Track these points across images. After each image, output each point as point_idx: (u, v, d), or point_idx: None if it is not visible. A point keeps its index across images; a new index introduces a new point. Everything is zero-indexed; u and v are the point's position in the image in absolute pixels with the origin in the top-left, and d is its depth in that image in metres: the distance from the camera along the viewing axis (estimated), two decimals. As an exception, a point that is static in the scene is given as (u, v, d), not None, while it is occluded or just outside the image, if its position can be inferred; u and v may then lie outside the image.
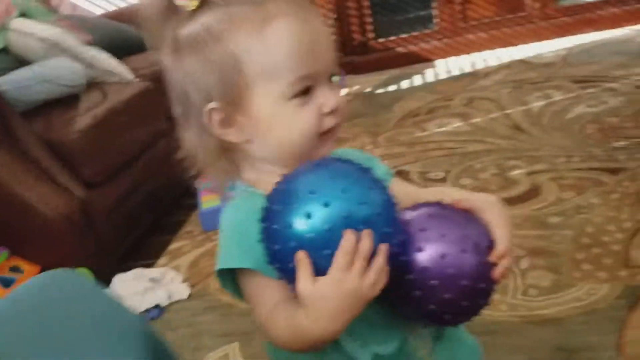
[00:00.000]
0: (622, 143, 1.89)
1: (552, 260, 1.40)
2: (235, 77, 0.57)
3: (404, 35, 3.58)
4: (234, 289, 0.60)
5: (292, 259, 0.49)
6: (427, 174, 1.99)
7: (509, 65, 3.08)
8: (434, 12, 3.48)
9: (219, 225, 0.61)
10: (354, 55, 3.64)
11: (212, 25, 0.57)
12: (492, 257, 0.55)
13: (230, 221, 0.60)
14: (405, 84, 3.22)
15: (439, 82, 3.08)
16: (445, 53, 3.51)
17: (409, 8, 3.54)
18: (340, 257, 0.49)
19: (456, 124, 2.40)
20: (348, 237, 0.49)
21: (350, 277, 0.49)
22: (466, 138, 2.23)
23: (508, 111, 2.40)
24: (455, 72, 3.19)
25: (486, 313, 1.22)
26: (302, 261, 0.49)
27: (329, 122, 0.60)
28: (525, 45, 3.42)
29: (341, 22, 3.62)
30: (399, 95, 3.00)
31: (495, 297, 1.25)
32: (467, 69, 3.20)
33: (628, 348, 1.09)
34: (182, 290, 1.54)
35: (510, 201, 1.68)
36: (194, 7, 0.58)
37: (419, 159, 2.13)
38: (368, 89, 3.24)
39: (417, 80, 3.24)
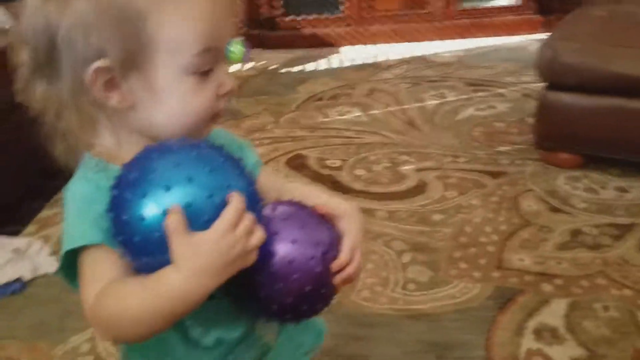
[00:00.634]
0: (505, 148, 2.00)
1: (431, 257, 1.45)
2: (138, 38, 0.51)
3: (312, 17, 3.55)
4: (72, 275, 0.54)
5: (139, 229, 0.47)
6: (324, 160, 1.99)
7: (409, 61, 3.16)
8: (341, -2, 3.49)
9: (63, 201, 0.55)
10: (262, 29, 3.57)
11: None
12: (334, 266, 0.57)
13: (78, 195, 0.54)
14: (310, 66, 3.19)
15: (343, 69, 3.09)
16: (350, 40, 3.52)
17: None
18: (229, 214, 0.47)
19: (356, 114, 2.42)
20: (238, 198, 0.48)
21: (237, 234, 0.48)
22: (364, 129, 2.25)
23: (404, 106, 2.46)
24: (359, 61, 3.21)
25: (366, 305, 1.26)
26: (175, 217, 0.46)
27: (222, 104, 0.57)
28: (426, 42, 3.52)
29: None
30: (304, 77, 2.97)
31: (377, 289, 1.30)
32: (371, 59, 3.24)
33: (495, 349, 1.16)
34: (49, 264, 1.41)
35: (399, 195, 1.73)
36: None
37: (318, 144, 2.13)
38: (273, 66, 3.19)
39: (322, 64, 3.23)
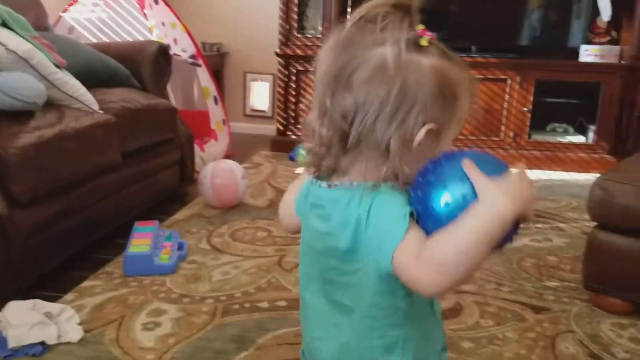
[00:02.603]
0: (554, 283, 1.91)
1: (452, 386, 1.37)
2: (448, 115, 0.69)
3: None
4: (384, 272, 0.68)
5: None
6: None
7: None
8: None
9: (374, 218, 0.67)
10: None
11: (451, 70, 0.69)
12: None
13: (389, 206, 0.68)
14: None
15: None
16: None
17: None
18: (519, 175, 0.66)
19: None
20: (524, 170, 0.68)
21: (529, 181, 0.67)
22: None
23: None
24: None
25: None
26: (474, 172, 0.65)
27: None
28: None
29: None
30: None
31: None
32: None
33: None
34: (74, 332, 1.46)
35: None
36: (427, 44, 0.68)
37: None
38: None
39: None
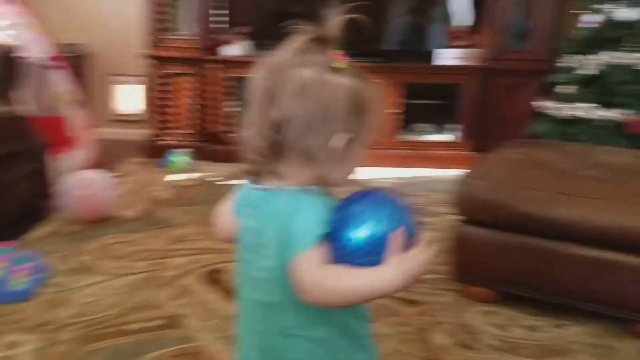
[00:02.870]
0: (426, 276, 1.98)
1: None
2: (362, 126, 0.81)
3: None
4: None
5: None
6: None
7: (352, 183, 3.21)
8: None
9: (295, 218, 0.76)
10: (210, 143, 3.63)
11: (362, 88, 0.81)
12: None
13: (320, 207, 0.78)
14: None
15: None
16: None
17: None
18: (424, 242, 0.77)
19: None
20: (428, 235, 0.79)
21: (429, 262, 0.77)
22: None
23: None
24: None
25: None
26: (395, 243, 0.75)
27: None
28: (369, 168, 3.62)
29: (203, 109, 3.64)
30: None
31: None
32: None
33: None
34: None
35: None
36: (343, 67, 0.80)
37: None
38: (215, 178, 3.21)
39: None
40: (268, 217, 0.80)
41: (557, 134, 3.14)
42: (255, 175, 0.83)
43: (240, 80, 3.57)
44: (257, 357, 0.86)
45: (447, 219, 2.63)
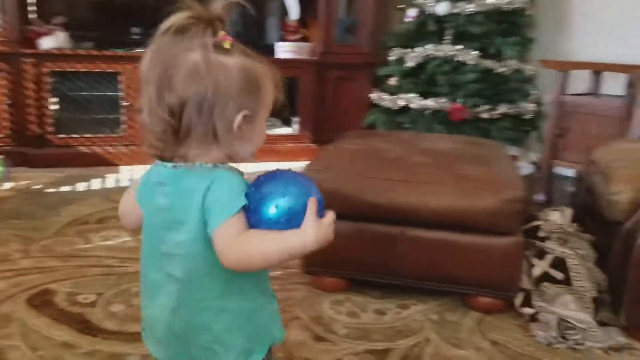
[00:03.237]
0: (278, 272, 1.97)
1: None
2: (257, 102, 0.84)
3: (88, 135, 3.37)
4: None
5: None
6: (76, 296, 1.74)
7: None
8: (122, 117, 3.38)
9: (214, 191, 0.80)
10: (29, 147, 3.26)
11: (253, 65, 0.84)
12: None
13: (236, 182, 0.82)
14: (81, 186, 2.95)
15: (118, 190, 2.91)
16: (130, 160, 3.38)
17: (96, 109, 3.38)
18: (331, 214, 0.83)
19: (124, 238, 2.23)
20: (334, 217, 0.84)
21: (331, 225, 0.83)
22: (130, 255, 2.07)
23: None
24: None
25: None
26: (311, 209, 0.81)
27: None
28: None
29: (17, 109, 3.24)
30: (71, 198, 2.72)
31: None
32: (150, 179, 3.13)
33: None
34: None
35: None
36: (228, 47, 0.82)
37: (72, 276, 1.88)
38: (37, 187, 2.88)
39: (96, 184, 3.01)
40: (182, 193, 0.82)
41: (390, 124, 3.32)
42: (160, 160, 0.85)
43: (62, 75, 3.25)
44: (171, 334, 0.87)
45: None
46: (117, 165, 3.38)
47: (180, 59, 0.78)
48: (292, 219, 0.81)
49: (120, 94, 3.36)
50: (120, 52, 3.31)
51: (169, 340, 0.88)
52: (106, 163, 3.37)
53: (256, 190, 0.82)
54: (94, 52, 3.27)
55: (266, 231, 0.80)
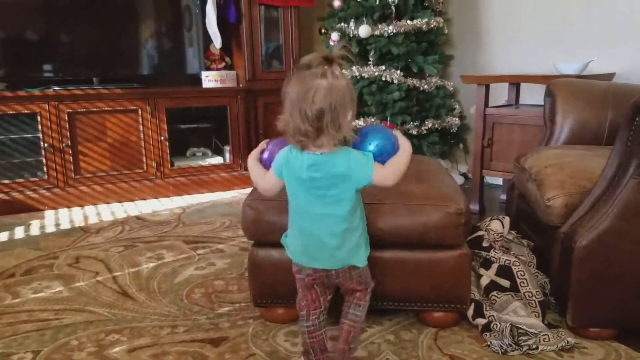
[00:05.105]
0: (226, 309, 1.90)
1: None
2: (354, 105, 1.29)
3: (6, 181, 3.16)
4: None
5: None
6: (10, 356, 1.60)
7: (123, 222, 2.97)
8: (44, 160, 3.20)
9: (354, 159, 1.32)
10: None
11: (351, 85, 1.31)
12: None
13: (356, 150, 1.36)
14: (3, 236, 2.76)
15: (44, 237, 2.74)
16: (55, 204, 3.20)
17: (13, 153, 3.18)
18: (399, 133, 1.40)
19: (57, 289, 2.09)
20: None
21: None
22: (66, 306, 1.93)
23: (116, 274, 2.23)
24: (65, 226, 2.90)
25: None
26: (399, 134, 1.42)
27: None
28: (142, 201, 3.41)
29: None
30: (-7, 250, 2.52)
31: None
32: (78, 223, 2.97)
33: None
34: None
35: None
36: (338, 75, 1.27)
37: (1, 335, 1.73)
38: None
39: (19, 232, 2.82)
40: (335, 168, 1.28)
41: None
42: (302, 148, 1.28)
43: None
44: (330, 249, 1.35)
45: (236, 242, 2.60)
46: (40, 210, 3.19)
47: (316, 83, 1.22)
48: (392, 147, 1.35)
49: (39, 135, 3.18)
50: (36, 92, 3.15)
51: (326, 252, 1.36)
52: (28, 209, 3.17)
53: (363, 140, 1.34)
54: (7, 94, 3.09)
55: (390, 161, 1.33)
